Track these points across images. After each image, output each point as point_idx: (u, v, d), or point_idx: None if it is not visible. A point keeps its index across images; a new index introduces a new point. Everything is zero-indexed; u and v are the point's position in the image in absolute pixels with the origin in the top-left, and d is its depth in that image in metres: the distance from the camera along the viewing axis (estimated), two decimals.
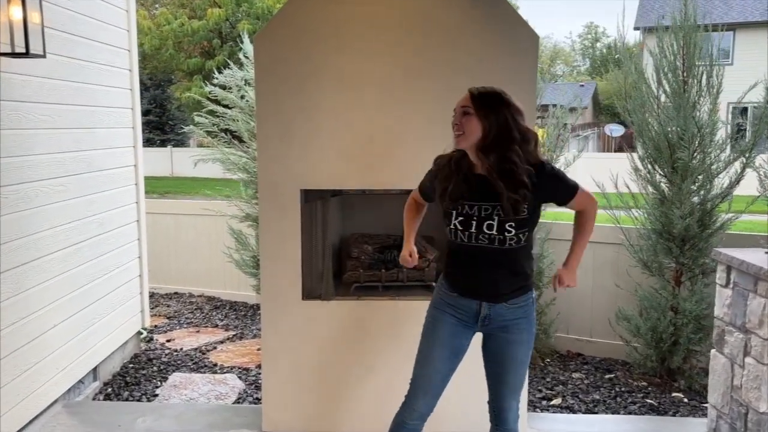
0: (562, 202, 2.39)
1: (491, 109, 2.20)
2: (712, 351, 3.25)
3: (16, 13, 2.76)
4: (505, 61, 2.87)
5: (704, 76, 4.21)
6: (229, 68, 5.76)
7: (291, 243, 3.02)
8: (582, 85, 35.10)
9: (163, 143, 23.30)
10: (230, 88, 5.64)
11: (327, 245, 3.17)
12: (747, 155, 4.13)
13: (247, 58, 5.74)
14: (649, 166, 4.36)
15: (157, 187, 18.55)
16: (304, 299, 3.06)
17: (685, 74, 4.27)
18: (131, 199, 4.31)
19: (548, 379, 4.38)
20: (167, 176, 21.65)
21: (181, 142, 23.59)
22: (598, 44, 52.44)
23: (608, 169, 4.72)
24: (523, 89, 2.89)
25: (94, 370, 3.89)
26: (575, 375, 4.48)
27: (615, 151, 28.50)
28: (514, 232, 2.21)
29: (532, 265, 2.39)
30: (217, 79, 5.86)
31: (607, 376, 4.48)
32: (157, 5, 20.12)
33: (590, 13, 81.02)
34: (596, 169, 4.92)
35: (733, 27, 22.99)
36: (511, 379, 2.38)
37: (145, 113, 24.79)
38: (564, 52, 53.67)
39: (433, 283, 3.28)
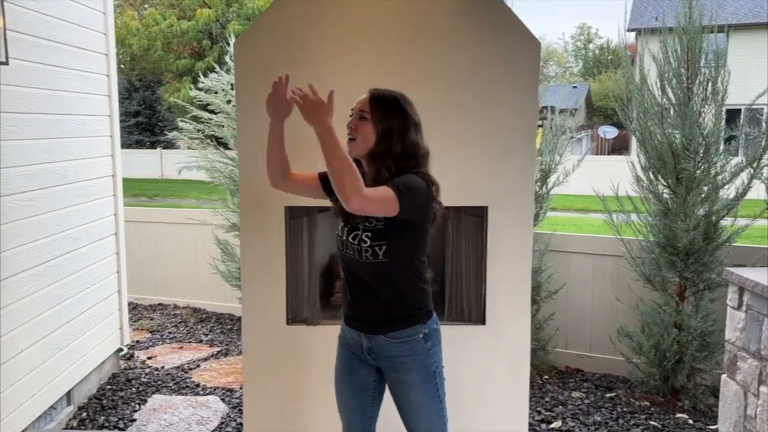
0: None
1: (387, 115, 2.03)
2: (723, 377, 3.07)
3: None
4: (505, 69, 2.68)
5: (710, 83, 4.03)
6: (215, 72, 5.55)
7: (275, 263, 2.81)
8: (575, 87, 35.06)
9: (152, 145, 23.01)
10: (216, 92, 5.44)
11: (314, 265, 2.96)
12: (755, 165, 3.96)
13: (233, 60, 5.52)
14: (652, 177, 4.18)
15: (146, 189, 18.30)
16: (288, 324, 2.85)
17: (689, 80, 4.09)
18: (108, 211, 4.09)
19: (547, 399, 4.19)
20: (157, 178, 21.39)
21: (171, 144, 23.31)
22: (591, 45, 52.47)
23: (603, 172, 4.59)
24: (524, 97, 2.71)
25: (68, 393, 3.67)
26: (575, 394, 4.29)
27: (609, 153, 28.47)
28: (369, 242, 2.01)
29: (421, 295, 2.11)
30: (203, 82, 5.65)
31: (608, 395, 4.30)
32: (146, 5, 19.83)
33: (583, 13, 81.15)
34: (592, 172, 4.74)
35: (726, 28, 22.91)
36: (413, 424, 2.13)
37: (134, 114, 24.54)
38: (557, 54, 53.66)
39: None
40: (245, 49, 2.72)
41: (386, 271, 2.04)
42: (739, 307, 2.89)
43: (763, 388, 2.69)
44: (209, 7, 15.06)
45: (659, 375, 4.18)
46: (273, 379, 2.88)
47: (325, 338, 2.87)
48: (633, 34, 25.11)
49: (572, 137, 4.77)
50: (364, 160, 2.08)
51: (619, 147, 30.68)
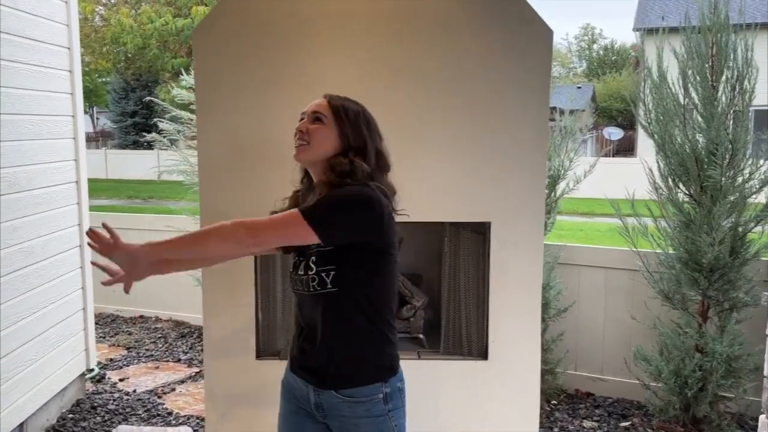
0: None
1: (350, 122, 1.72)
2: (762, 417, 2.68)
3: None
4: (512, 62, 2.28)
5: (737, 81, 3.63)
6: None
7: (243, 290, 2.43)
8: (579, 87, 34.67)
9: (150, 145, 22.68)
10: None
11: (288, 289, 2.56)
12: None
13: (192, 53, 5.15)
14: (672, 184, 3.78)
15: (141, 191, 17.94)
16: (258, 358, 2.46)
17: (714, 79, 3.69)
18: (71, 221, 3.70)
19: (556, 430, 3.80)
20: (154, 180, 21.04)
21: (168, 145, 22.92)
22: (595, 46, 52.08)
23: (609, 175, 4.25)
24: (534, 97, 2.31)
25: (21, 426, 3.28)
26: (586, 423, 3.90)
27: (613, 155, 28.08)
28: (315, 269, 1.67)
29: (385, 344, 1.73)
30: (184, 80, 5.29)
31: (622, 424, 3.91)
32: (142, 2, 19.45)
33: (586, 13, 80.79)
34: (597, 174, 4.35)
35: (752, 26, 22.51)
36: None
37: (131, 115, 24.20)
38: (560, 54, 53.25)
39: (421, 335, 2.69)
40: (205, 36, 2.33)
41: (338, 305, 1.68)
42: None
43: None
44: (205, 5, 14.69)
45: (680, 403, 3.77)
46: (239, 421, 2.48)
47: None
48: (638, 34, 24.75)
49: (583, 140, 4.42)
50: (315, 167, 1.75)
51: (624, 148, 30.29)
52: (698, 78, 3.64)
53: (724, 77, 3.68)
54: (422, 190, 2.31)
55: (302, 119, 1.78)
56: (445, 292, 2.53)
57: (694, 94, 3.70)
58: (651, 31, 22.97)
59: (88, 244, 1.62)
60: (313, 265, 1.68)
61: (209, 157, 2.39)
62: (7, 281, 3.10)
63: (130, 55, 17.48)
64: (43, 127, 3.40)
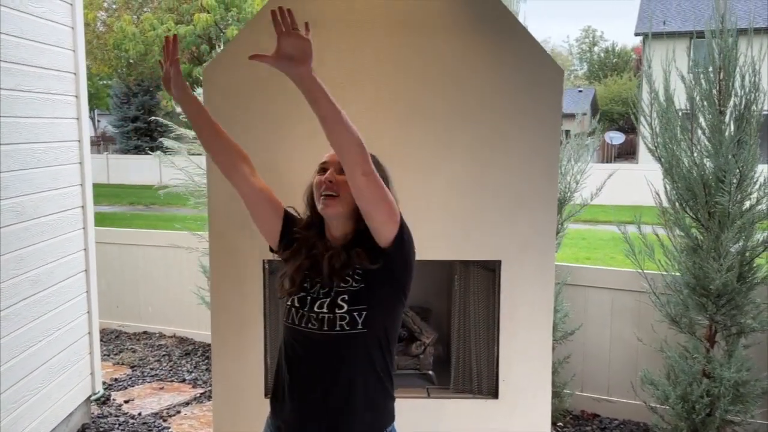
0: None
1: (378, 169, 1.62)
2: None
3: None
4: (524, 101, 2.27)
5: (745, 106, 3.62)
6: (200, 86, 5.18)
7: (252, 327, 2.41)
8: (580, 91, 34.63)
9: (151, 150, 22.70)
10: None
11: None
12: None
13: (202, 89, 5.15)
14: (680, 209, 3.77)
15: (143, 197, 17.94)
16: (267, 397, 2.45)
17: (721, 104, 3.68)
18: (77, 246, 3.69)
19: None
20: (156, 185, 21.04)
21: (168, 149, 22.93)
22: (596, 48, 52.06)
23: (612, 181, 4.27)
24: (545, 134, 2.30)
25: None
26: None
27: (615, 159, 28.04)
28: (346, 308, 1.61)
29: (392, 390, 1.71)
30: None
31: None
32: (145, 9, 19.46)
33: (587, 16, 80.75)
34: (599, 180, 4.34)
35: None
36: None
37: (133, 120, 24.21)
38: (561, 57, 53.25)
39: (430, 372, 2.68)
40: (215, 75, 2.32)
41: (364, 347, 1.62)
42: None
43: None
44: (207, 12, 14.69)
45: (687, 428, 3.76)
46: None
47: None
48: (639, 38, 24.72)
49: (585, 145, 4.40)
50: (339, 219, 1.70)
51: (625, 152, 30.24)
52: (705, 104, 3.63)
53: (731, 102, 3.68)
54: (433, 228, 2.30)
55: (323, 169, 1.72)
56: (455, 329, 2.52)
57: (702, 121, 3.69)
58: (653, 36, 22.97)
59: (273, 16, 1.48)
60: (343, 304, 1.61)
61: (219, 194, 2.38)
62: (14, 311, 3.09)
63: (132, 61, 17.49)
64: (50, 154, 3.40)
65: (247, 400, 2.44)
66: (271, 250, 1.85)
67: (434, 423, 2.33)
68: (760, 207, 3.62)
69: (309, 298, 1.67)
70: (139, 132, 23.61)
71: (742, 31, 3.81)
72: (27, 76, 3.19)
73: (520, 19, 3.85)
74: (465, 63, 2.28)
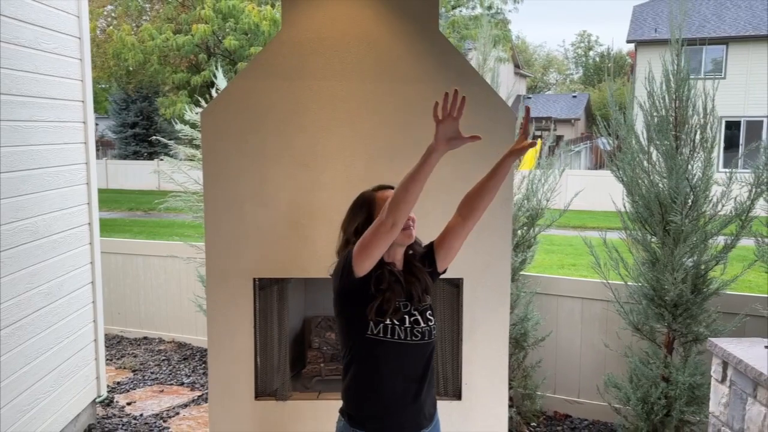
0: None
1: None
2: None
3: None
4: (482, 141, 2.59)
5: (698, 132, 3.95)
6: (200, 106, 5.50)
7: (242, 336, 2.73)
8: (575, 96, 35.00)
9: (150, 156, 22.98)
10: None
11: (284, 334, 2.87)
12: (744, 218, 3.87)
13: (200, 132, 5.48)
14: (639, 227, 4.10)
15: (142, 203, 18.23)
16: (257, 398, 2.77)
17: (677, 129, 4.01)
18: (84, 260, 4.01)
19: None
20: (154, 190, 21.33)
21: (168, 155, 23.25)
22: (591, 53, 52.43)
23: (602, 187, 4.50)
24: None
25: None
26: None
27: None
28: (433, 320, 2.12)
29: None
30: (188, 115, 5.61)
31: None
32: (144, 18, 19.77)
33: (583, 20, 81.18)
34: (590, 187, 4.63)
35: (725, 41, 22.92)
36: None
37: (132, 126, 24.52)
38: (557, 61, 53.63)
39: None
40: (212, 117, 2.64)
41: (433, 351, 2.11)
42: (722, 381, 2.81)
43: None
44: (205, 23, 15.01)
45: (647, 428, 4.08)
46: None
47: (296, 413, 2.80)
48: (631, 45, 25.07)
49: (570, 150, 4.68)
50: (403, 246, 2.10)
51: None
52: (660, 131, 3.95)
53: (687, 127, 4.00)
54: None
55: None
56: None
57: (658, 143, 4.02)
58: (645, 43, 23.35)
59: (445, 97, 1.79)
60: (431, 317, 2.07)
61: (215, 222, 2.70)
62: (29, 321, 3.40)
63: (131, 69, 17.80)
64: (60, 177, 3.71)
65: (240, 401, 2.75)
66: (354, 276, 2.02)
67: None
68: (713, 224, 3.96)
69: (406, 314, 2.03)
70: (138, 138, 23.91)
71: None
72: (41, 107, 3.51)
73: (511, 27, 4.16)
74: (430, 107, 2.60)
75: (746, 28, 22.74)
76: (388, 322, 1.99)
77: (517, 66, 35.17)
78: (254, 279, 2.72)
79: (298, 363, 3.06)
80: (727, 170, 3.96)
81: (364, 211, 2.10)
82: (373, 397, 2.00)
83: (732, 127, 21.89)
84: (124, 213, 16.99)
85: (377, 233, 1.87)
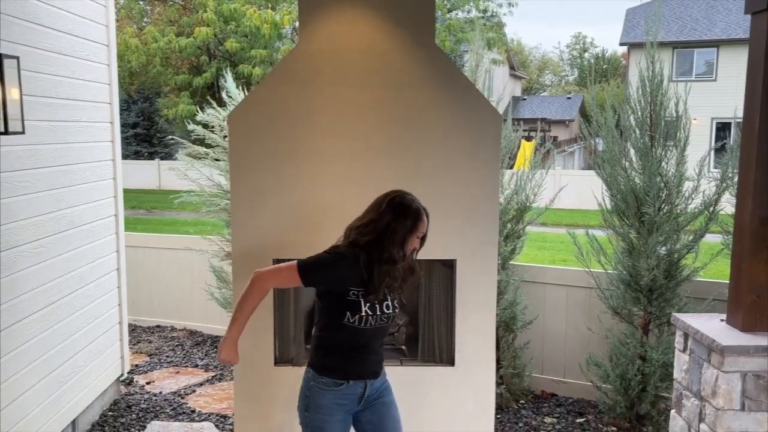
0: None
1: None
2: (672, 411, 3.37)
3: None
4: (469, 139, 2.99)
5: (668, 133, 4.35)
6: (213, 107, 5.85)
7: (263, 311, 3.10)
8: (569, 97, 35.45)
9: (150, 156, 23.33)
10: (213, 127, 5.74)
11: (299, 310, 3.26)
12: (711, 209, 4.27)
13: (230, 97, 5.84)
14: (617, 219, 4.50)
15: (144, 202, 18.59)
16: (276, 364, 3.15)
17: (652, 129, 4.41)
18: (111, 249, 4.38)
19: (521, 425, 4.48)
20: (155, 189, 21.68)
21: (168, 155, 23.61)
22: (587, 54, 52.89)
23: (596, 187, 4.82)
24: (487, 165, 3.01)
25: (73, 423, 3.95)
26: (547, 419, 4.59)
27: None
28: (398, 308, 2.54)
29: None
30: (199, 116, 5.96)
31: (578, 420, 4.59)
32: (146, 20, 20.14)
33: (578, 22, 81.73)
34: (584, 186, 4.98)
35: (717, 43, 23.41)
36: None
37: (132, 126, 24.86)
38: (552, 62, 54.11)
39: (403, 347, 3.39)
40: (238, 120, 3.03)
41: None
42: (684, 350, 3.19)
43: (702, 426, 2.99)
44: (207, 26, 15.40)
45: (625, 402, 4.47)
46: (261, 415, 3.18)
47: None
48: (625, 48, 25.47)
49: (563, 151, 5.06)
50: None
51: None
52: (637, 131, 4.36)
53: (660, 127, 4.41)
54: None
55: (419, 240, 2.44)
56: (422, 312, 3.24)
57: (633, 143, 4.42)
58: (638, 45, 23.77)
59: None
60: (397, 305, 2.46)
61: (240, 210, 3.08)
62: (65, 303, 3.77)
63: (134, 71, 18.17)
64: (91, 172, 4.08)
65: (261, 367, 3.14)
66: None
67: (407, 385, 3.03)
68: (684, 216, 4.36)
69: (372, 303, 2.40)
70: (139, 138, 24.26)
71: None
72: (75, 109, 3.88)
73: (507, 29, 4.56)
74: (425, 109, 3.00)
75: (737, 31, 23.22)
76: (362, 313, 2.37)
77: (512, 68, 35.65)
78: (273, 260, 3.10)
79: (310, 335, 3.43)
80: (717, 170, 4.36)
81: (409, 220, 2.37)
82: (339, 357, 2.44)
83: (724, 128, 22.38)
84: (126, 211, 17.15)
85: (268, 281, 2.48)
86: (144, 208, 17.81)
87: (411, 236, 2.36)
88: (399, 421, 2.55)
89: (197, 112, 6.07)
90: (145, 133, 23.90)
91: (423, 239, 2.42)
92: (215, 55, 17.57)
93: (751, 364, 2.83)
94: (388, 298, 2.42)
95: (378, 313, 2.39)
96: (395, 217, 2.34)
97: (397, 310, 2.46)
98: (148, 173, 21.96)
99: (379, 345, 2.52)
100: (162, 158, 22.88)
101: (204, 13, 15.57)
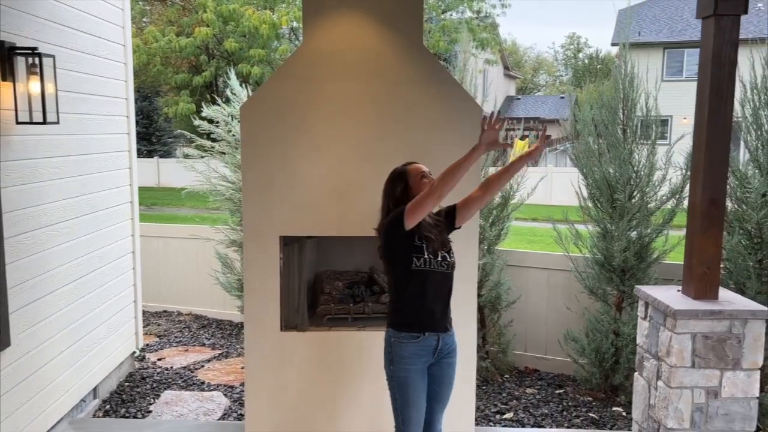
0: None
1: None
2: (635, 374, 3.77)
3: (34, 86, 3.21)
4: (453, 128, 3.38)
5: (640, 126, 4.76)
6: (217, 104, 6.22)
7: (271, 281, 3.49)
8: (563, 97, 35.87)
9: (149, 154, 23.63)
10: (218, 122, 6.11)
11: (303, 282, 3.64)
12: (678, 196, 4.68)
13: (234, 94, 6.22)
14: (592, 205, 4.90)
15: (143, 198, 18.88)
16: (282, 330, 3.53)
17: (624, 124, 4.81)
18: (127, 232, 4.76)
19: (504, 395, 4.88)
20: (154, 186, 21.99)
21: (167, 153, 23.94)
22: (580, 54, 53.34)
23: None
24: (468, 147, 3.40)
25: (94, 389, 4.33)
26: (529, 390, 4.98)
27: None
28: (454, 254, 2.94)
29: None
30: (204, 112, 6.32)
31: (557, 392, 4.99)
32: (145, 20, 20.46)
33: (573, 22, 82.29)
34: (575, 183, 5.34)
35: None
36: (446, 397, 2.96)
37: None
38: (547, 62, 54.57)
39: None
40: (250, 111, 3.41)
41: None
42: (645, 318, 3.59)
43: (659, 383, 3.39)
44: (207, 26, 15.75)
45: (600, 374, 4.88)
46: (270, 374, 3.57)
47: (312, 341, 3.57)
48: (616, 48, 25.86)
49: (555, 149, 5.42)
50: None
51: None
52: (609, 127, 4.77)
53: (632, 123, 4.81)
54: None
55: (425, 174, 2.86)
56: None
57: (606, 137, 4.83)
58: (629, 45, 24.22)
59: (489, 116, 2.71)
60: (452, 254, 2.86)
61: (251, 192, 3.47)
62: (88, 279, 4.15)
63: (134, 70, 18.48)
64: (111, 161, 4.46)
65: (269, 332, 3.52)
66: (403, 229, 2.73)
67: None
68: (654, 203, 4.77)
69: (441, 252, 2.83)
70: (138, 136, 24.53)
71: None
72: (96, 103, 4.26)
73: (501, 29, 4.95)
74: (415, 102, 3.39)
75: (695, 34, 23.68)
76: (426, 256, 2.77)
77: (506, 68, 36.07)
78: (280, 237, 3.48)
79: (312, 305, 3.83)
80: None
81: (401, 182, 2.84)
82: (413, 314, 2.81)
83: None
84: None
85: (428, 200, 2.64)
86: (144, 205, 18.12)
87: (415, 183, 2.81)
88: (453, 380, 2.95)
89: (201, 108, 6.43)
90: (144, 132, 24.17)
91: (426, 175, 2.84)
92: (214, 54, 17.92)
93: (700, 326, 3.23)
94: (443, 249, 2.83)
95: (439, 258, 2.78)
96: (395, 185, 2.85)
97: (452, 259, 2.85)
98: (148, 171, 22.25)
99: (444, 300, 2.86)
100: (161, 156, 23.19)
101: (204, 14, 15.92)
